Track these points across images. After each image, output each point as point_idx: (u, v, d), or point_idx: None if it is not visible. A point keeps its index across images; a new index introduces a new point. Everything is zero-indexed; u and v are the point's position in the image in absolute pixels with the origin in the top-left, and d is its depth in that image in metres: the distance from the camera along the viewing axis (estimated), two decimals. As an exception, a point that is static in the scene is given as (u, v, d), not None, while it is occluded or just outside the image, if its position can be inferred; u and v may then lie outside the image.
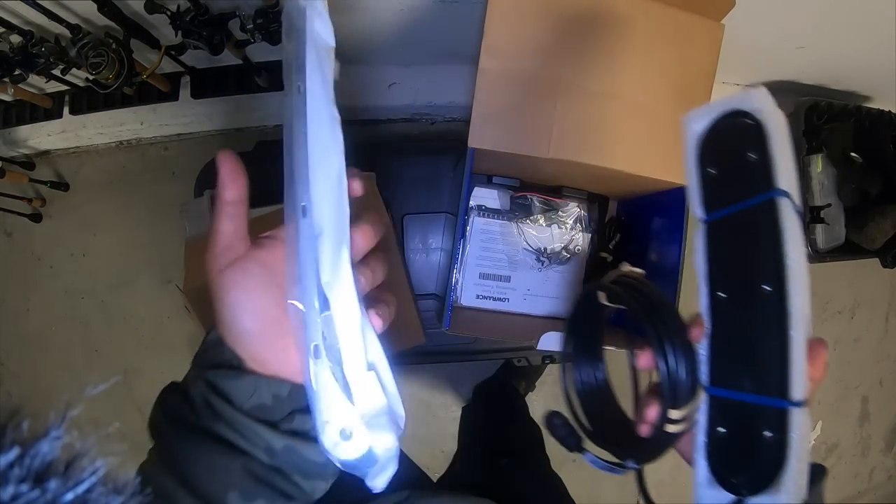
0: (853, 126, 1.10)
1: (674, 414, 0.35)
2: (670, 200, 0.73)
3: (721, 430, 0.33)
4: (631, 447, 0.40)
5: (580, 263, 0.88)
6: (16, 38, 0.84)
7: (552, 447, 0.83)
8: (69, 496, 0.15)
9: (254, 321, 0.29)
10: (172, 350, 1.27)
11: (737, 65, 1.09)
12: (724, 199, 0.34)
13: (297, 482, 0.30)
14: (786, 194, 0.31)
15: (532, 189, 0.86)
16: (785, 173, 0.31)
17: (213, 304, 0.29)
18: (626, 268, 0.42)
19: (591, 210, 0.88)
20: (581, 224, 0.87)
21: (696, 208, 0.36)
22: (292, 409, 0.30)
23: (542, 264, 0.87)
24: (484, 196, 0.85)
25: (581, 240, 0.87)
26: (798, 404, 0.30)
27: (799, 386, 0.30)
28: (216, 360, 0.29)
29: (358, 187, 0.30)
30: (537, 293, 0.87)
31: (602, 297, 0.42)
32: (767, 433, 0.30)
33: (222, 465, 0.28)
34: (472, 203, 0.85)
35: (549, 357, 0.87)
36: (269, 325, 0.29)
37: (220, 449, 0.28)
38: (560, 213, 0.86)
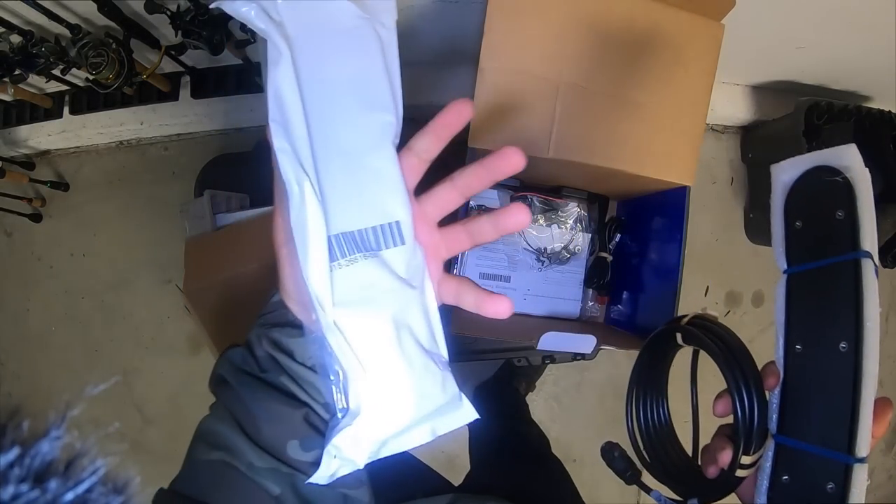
0: (853, 126, 1.10)
1: (745, 459, 0.36)
2: (670, 200, 0.73)
3: (785, 477, 0.34)
4: (694, 486, 0.41)
5: (580, 263, 0.88)
6: (16, 38, 0.84)
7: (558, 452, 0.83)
8: (69, 496, 0.15)
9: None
10: (172, 350, 1.27)
11: (737, 65, 1.09)
12: (808, 253, 0.35)
13: None
14: (869, 255, 0.32)
15: (532, 189, 0.86)
16: (869, 235, 0.32)
17: (278, 271, 0.30)
18: (703, 311, 0.43)
19: (591, 210, 0.88)
20: (581, 224, 0.87)
21: (778, 258, 0.36)
22: None
23: (542, 264, 0.87)
24: (484, 196, 0.85)
25: (581, 240, 0.87)
26: (862, 461, 0.31)
27: (864, 444, 0.31)
28: (280, 320, 0.30)
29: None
30: (537, 293, 0.87)
31: (678, 338, 0.42)
32: (830, 485, 0.32)
33: (285, 413, 0.29)
34: (472, 203, 0.85)
35: (549, 357, 0.87)
36: None
37: (282, 398, 0.29)
38: (560, 213, 0.86)
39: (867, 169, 0.34)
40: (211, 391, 0.32)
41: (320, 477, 0.28)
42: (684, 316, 0.43)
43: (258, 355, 0.30)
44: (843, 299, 0.32)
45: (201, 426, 0.31)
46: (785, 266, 0.36)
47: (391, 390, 0.29)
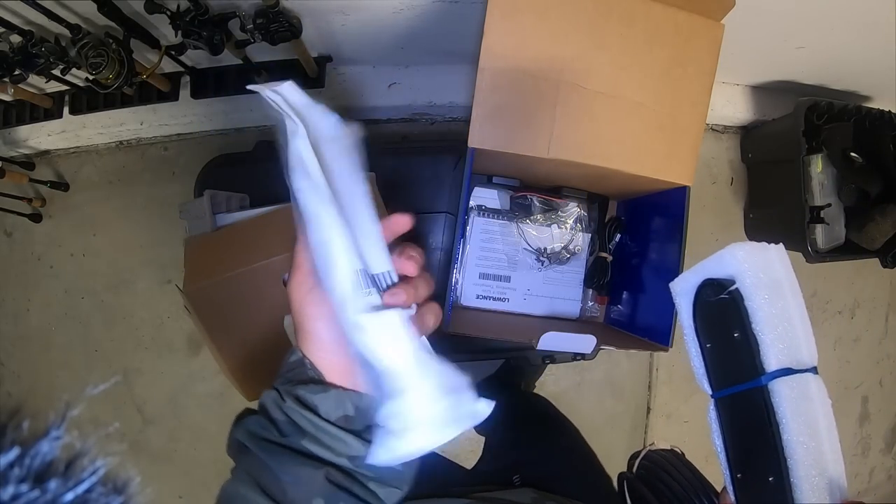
0: (853, 126, 1.10)
1: None
2: (670, 200, 0.73)
3: None
4: None
5: (580, 263, 0.88)
6: (16, 38, 0.84)
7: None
8: (69, 496, 0.15)
9: (336, 332, 0.31)
10: (172, 350, 1.27)
11: (737, 65, 1.09)
12: (724, 377, 0.33)
13: (373, 490, 0.32)
14: (775, 375, 0.30)
15: (532, 189, 0.86)
16: (774, 351, 0.30)
17: (298, 322, 0.33)
18: (656, 444, 0.42)
19: (591, 210, 0.88)
20: (581, 224, 0.87)
21: (700, 381, 0.35)
22: (370, 422, 0.32)
23: (542, 264, 0.87)
24: (484, 196, 0.85)
25: (581, 240, 0.87)
26: None
27: None
28: (301, 377, 0.32)
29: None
30: (537, 293, 0.87)
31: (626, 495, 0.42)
32: None
33: (307, 475, 0.30)
34: (472, 203, 0.85)
35: (548, 357, 0.87)
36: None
37: (304, 460, 0.30)
38: (560, 213, 0.86)
39: (762, 267, 0.31)
40: (230, 456, 0.33)
41: (376, 458, 0.30)
42: (638, 453, 0.42)
43: (276, 419, 0.31)
44: (761, 429, 0.31)
45: (225, 490, 0.31)
46: (709, 390, 0.35)
47: (420, 389, 0.30)
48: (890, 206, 1.06)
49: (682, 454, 0.45)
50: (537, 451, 0.70)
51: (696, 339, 0.34)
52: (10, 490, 0.14)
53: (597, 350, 0.71)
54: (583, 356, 0.79)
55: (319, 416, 0.31)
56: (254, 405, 0.34)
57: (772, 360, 0.30)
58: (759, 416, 0.31)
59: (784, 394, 0.30)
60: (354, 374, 0.32)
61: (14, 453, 0.14)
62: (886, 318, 1.42)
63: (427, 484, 0.55)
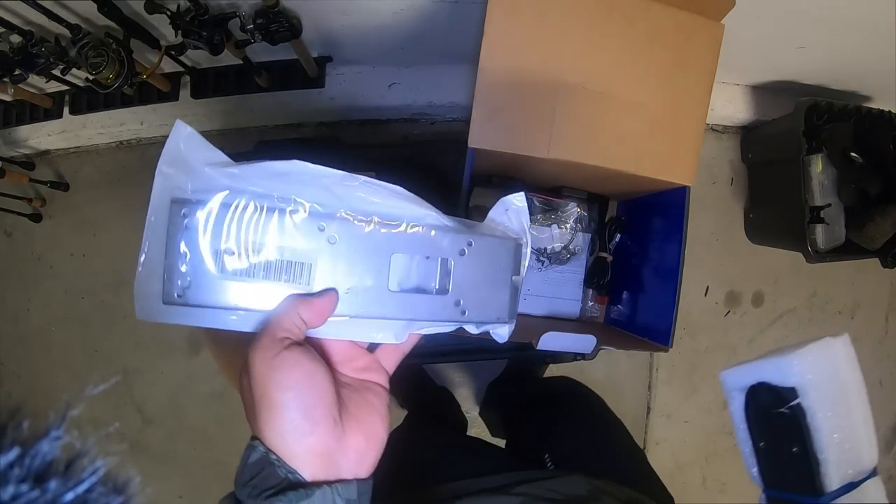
0: (853, 126, 1.10)
1: None
2: (670, 200, 0.73)
3: None
4: None
5: (580, 263, 0.88)
6: (16, 38, 0.84)
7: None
8: (69, 496, 0.15)
9: (309, 401, 0.27)
10: (172, 350, 1.27)
11: (737, 65, 1.09)
12: (780, 480, 0.32)
13: None
14: (836, 495, 0.29)
15: (532, 189, 0.86)
16: (835, 471, 0.28)
17: (258, 397, 0.27)
18: None
19: (591, 210, 0.88)
20: (581, 224, 0.87)
21: (751, 473, 0.34)
22: None
23: (542, 264, 0.87)
24: (484, 196, 0.85)
25: (581, 240, 0.87)
26: None
27: None
28: (272, 481, 0.26)
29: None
30: (537, 293, 0.87)
31: None
32: None
33: None
34: (471, 203, 0.84)
35: (549, 357, 0.87)
36: (325, 406, 0.28)
37: None
38: (560, 213, 0.86)
39: (826, 377, 0.29)
40: None
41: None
42: None
43: None
44: None
45: None
46: (762, 485, 0.33)
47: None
48: (890, 206, 1.06)
49: None
50: (560, 428, 0.68)
51: (749, 435, 0.33)
52: (10, 490, 0.14)
53: (597, 350, 0.71)
54: (583, 356, 0.79)
55: None
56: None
57: (833, 480, 0.29)
58: None
59: None
60: (333, 456, 0.27)
61: (14, 453, 0.14)
62: (886, 319, 1.42)
63: (467, 464, 0.54)
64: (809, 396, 0.29)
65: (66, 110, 1.17)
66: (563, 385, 0.85)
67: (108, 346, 1.30)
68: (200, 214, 0.28)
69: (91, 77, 0.85)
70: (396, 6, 0.87)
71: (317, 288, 0.31)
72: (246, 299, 0.29)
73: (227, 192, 0.29)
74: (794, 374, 0.30)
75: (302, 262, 0.30)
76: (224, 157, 0.30)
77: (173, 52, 0.94)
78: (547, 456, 0.62)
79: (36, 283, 1.32)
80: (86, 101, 1.16)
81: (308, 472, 0.26)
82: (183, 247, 0.28)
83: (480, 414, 1.16)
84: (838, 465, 0.29)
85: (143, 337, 1.29)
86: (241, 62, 1.00)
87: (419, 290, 0.33)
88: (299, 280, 0.30)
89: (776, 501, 0.32)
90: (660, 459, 1.31)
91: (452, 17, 0.90)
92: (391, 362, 0.35)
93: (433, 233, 0.33)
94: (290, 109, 1.15)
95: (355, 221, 0.31)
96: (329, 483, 0.26)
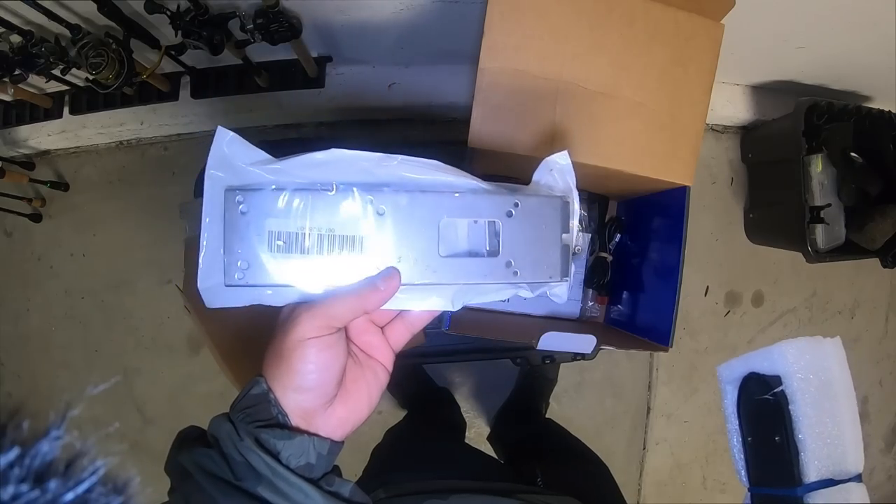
0: (853, 126, 1.10)
1: None
2: (670, 200, 0.73)
3: None
4: None
5: (580, 263, 0.88)
6: (16, 38, 0.84)
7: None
8: (69, 496, 0.15)
9: (323, 379, 0.30)
10: (172, 350, 1.27)
11: (737, 65, 1.09)
12: (763, 475, 0.32)
13: None
14: (813, 487, 0.29)
15: (532, 189, 0.86)
16: (814, 462, 0.29)
17: (280, 341, 0.30)
18: None
19: (591, 210, 0.88)
20: (581, 224, 0.87)
21: (739, 472, 0.34)
22: (327, 470, 0.31)
23: (542, 264, 0.87)
24: (484, 196, 0.85)
25: (581, 240, 0.87)
26: None
27: None
28: (263, 415, 0.30)
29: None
30: (537, 293, 0.87)
31: None
32: None
33: None
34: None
35: (548, 357, 0.87)
36: (333, 384, 0.31)
37: None
38: (560, 213, 0.86)
39: (812, 367, 0.29)
40: (167, 474, 0.30)
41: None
42: None
43: (231, 458, 0.28)
44: None
45: None
46: (746, 483, 0.34)
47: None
48: (890, 206, 1.06)
49: None
50: (555, 456, 0.71)
51: (738, 429, 0.33)
52: (10, 490, 0.14)
53: (597, 350, 0.71)
54: (583, 356, 0.79)
55: (280, 462, 0.29)
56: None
57: (811, 471, 0.29)
58: None
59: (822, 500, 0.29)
60: (318, 416, 0.31)
61: (14, 453, 0.14)
62: (886, 319, 1.42)
63: (466, 465, 0.55)
64: (793, 384, 0.30)
65: (66, 110, 1.17)
66: (556, 427, 0.89)
67: (108, 346, 1.30)
68: (254, 198, 0.30)
69: (91, 77, 0.85)
70: (396, 6, 0.87)
71: (370, 257, 0.32)
72: (303, 275, 0.31)
73: (274, 186, 0.31)
74: (780, 362, 0.30)
75: (353, 236, 0.31)
76: (266, 156, 0.31)
77: (173, 52, 0.94)
78: (539, 480, 0.64)
79: (36, 283, 1.32)
80: (86, 101, 1.16)
81: (293, 420, 0.30)
82: (241, 229, 0.31)
83: (488, 438, 1.17)
84: (817, 457, 0.29)
85: (143, 337, 1.29)
86: (241, 62, 1.00)
87: (470, 254, 0.33)
88: (351, 252, 0.32)
89: (760, 498, 0.33)
90: (660, 459, 1.31)
91: (452, 17, 0.90)
92: (400, 341, 0.36)
93: (478, 197, 0.33)
94: (289, 109, 1.15)
95: (400, 193, 0.32)
96: (309, 434, 0.30)
